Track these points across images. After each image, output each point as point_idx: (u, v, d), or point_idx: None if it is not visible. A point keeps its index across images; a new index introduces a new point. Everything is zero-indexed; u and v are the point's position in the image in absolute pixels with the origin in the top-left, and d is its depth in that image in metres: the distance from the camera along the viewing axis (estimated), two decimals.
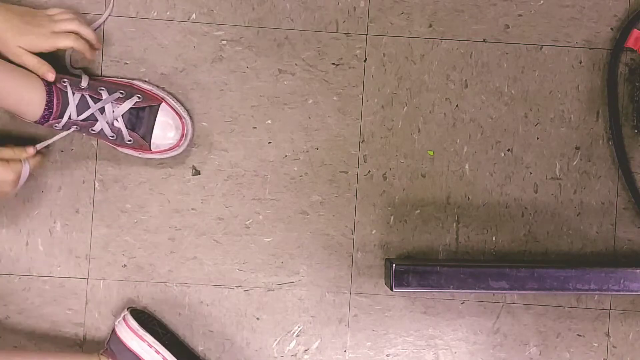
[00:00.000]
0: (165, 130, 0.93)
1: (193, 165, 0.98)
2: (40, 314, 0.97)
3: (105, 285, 0.97)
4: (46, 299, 0.97)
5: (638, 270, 0.90)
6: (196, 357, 0.95)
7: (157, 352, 0.88)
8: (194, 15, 0.98)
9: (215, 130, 0.98)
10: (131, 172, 0.97)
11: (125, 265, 0.97)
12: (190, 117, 0.96)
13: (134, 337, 0.89)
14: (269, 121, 0.98)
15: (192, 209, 0.98)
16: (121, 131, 0.91)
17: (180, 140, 0.94)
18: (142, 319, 0.92)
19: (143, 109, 0.92)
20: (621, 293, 0.90)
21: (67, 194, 0.97)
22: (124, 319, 0.91)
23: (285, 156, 0.98)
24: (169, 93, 0.96)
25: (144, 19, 0.98)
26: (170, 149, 0.94)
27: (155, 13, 0.98)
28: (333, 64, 0.98)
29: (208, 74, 0.98)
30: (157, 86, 0.96)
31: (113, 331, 0.91)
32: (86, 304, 0.97)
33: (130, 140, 0.92)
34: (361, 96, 0.98)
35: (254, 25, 0.98)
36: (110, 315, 0.97)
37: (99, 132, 0.91)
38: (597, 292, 0.90)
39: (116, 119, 0.91)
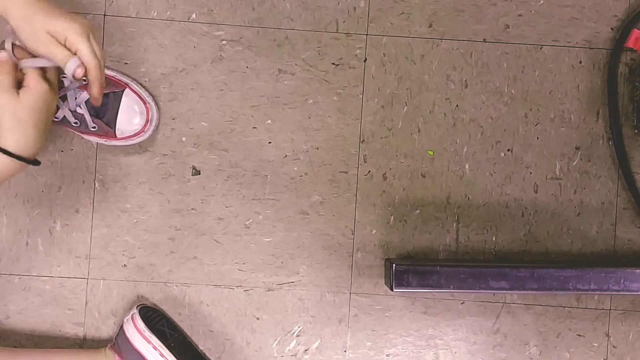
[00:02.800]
0: (130, 116, 0.93)
1: (193, 165, 0.98)
2: (40, 314, 0.97)
3: (105, 285, 0.97)
4: (46, 299, 0.97)
5: (638, 270, 0.90)
6: (202, 358, 0.94)
7: (162, 354, 0.88)
8: (194, 15, 0.98)
9: (215, 130, 0.98)
10: (131, 172, 0.97)
11: (125, 265, 0.97)
12: (156, 103, 0.96)
13: (140, 337, 0.89)
14: (269, 121, 0.98)
15: (192, 209, 0.98)
16: (85, 118, 0.91)
17: (145, 125, 0.93)
18: (150, 318, 0.92)
19: (107, 94, 0.92)
20: (621, 293, 0.90)
21: (67, 194, 0.97)
22: (132, 317, 0.91)
23: (285, 156, 0.98)
24: (133, 79, 0.96)
25: (144, 19, 0.98)
26: (136, 134, 0.94)
27: (155, 13, 0.98)
28: (333, 64, 0.98)
29: (208, 74, 0.98)
30: (121, 72, 0.96)
31: (121, 328, 0.91)
32: (86, 304, 0.97)
33: (94, 127, 0.92)
34: (361, 96, 0.98)
35: (254, 25, 0.98)
36: (110, 315, 0.97)
37: (61, 119, 0.90)
38: (597, 292, 0.90)
39: (79, 106, 0.90)
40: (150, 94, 0.96)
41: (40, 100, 0.75)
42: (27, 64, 0.76)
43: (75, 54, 0.75)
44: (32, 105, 0.74)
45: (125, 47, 0.97)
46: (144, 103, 0.93)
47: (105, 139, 0.94)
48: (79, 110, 0.90)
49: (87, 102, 0.90)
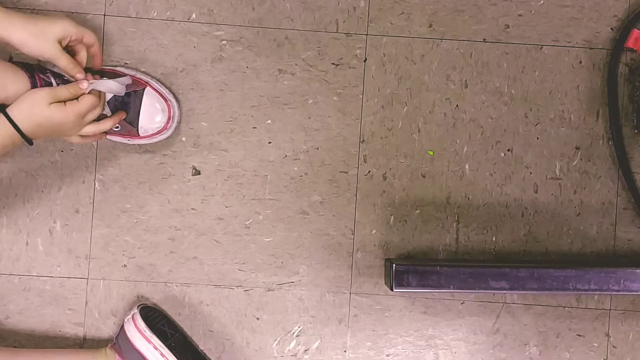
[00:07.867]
0: (152, 114, 0.93)
1: (193, 165, 0.98)
2: (40, 314, 0.97)
3: (105, 285, 0.97)
4: (46, 299, 0.97)
5: (638, 270, 0.90)
6: (203, 358, 0.94)
7: (162, 354, 0.88)
8: (194, 15, 0.98)
9: (215, 130, 0.98)
10: (131, 172, 0.97)
11: (125, 265, 0.97)
12: (177, 99, 0.96)
13: (140, 337, 0.89)
14: (269, 121, 0.98)
15: (192, 209, 0.98)
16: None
17: (168, 122, 0.94)
18: (151, 318, 0.92)
19: (128, 94, 0.92)
20: (621, 293, 0.90)
21: (67, 194, 0.97)
22: (132, 317, 0.91)
23: (285, 156, 0.98)
24: (153, 77, 0.96)
25: (144, 19, 0.98)
26: (159, 132, 0.94)
27: (155, 13, 0.98)
28: (333, 64, 0.98)
29: (208, 74, 0.98)
30: (140, 70, 0.96)
31: (122, 328, 0.91)
32: (86, 304, 0.97)
33: (117, 127, 0.92)
34: (361, 96, 0.98)
35: (254, 25, 0.98)
36: (110, 315, 0.97)
37: None
38: (597, 292, 0.90)
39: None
40: (171, 91, 0.96)
41: (66, 120, 0.82)
42: (94, 86, 0.85)
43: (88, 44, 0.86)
44: (59, 116, 0.81)
45: (125, 47, 0.97)
46: (165, 100, 0.93)
47: (128, 138, 0.94)
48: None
49: (109, 102, 0.91)
